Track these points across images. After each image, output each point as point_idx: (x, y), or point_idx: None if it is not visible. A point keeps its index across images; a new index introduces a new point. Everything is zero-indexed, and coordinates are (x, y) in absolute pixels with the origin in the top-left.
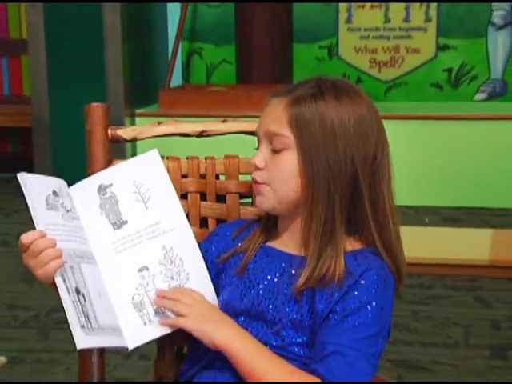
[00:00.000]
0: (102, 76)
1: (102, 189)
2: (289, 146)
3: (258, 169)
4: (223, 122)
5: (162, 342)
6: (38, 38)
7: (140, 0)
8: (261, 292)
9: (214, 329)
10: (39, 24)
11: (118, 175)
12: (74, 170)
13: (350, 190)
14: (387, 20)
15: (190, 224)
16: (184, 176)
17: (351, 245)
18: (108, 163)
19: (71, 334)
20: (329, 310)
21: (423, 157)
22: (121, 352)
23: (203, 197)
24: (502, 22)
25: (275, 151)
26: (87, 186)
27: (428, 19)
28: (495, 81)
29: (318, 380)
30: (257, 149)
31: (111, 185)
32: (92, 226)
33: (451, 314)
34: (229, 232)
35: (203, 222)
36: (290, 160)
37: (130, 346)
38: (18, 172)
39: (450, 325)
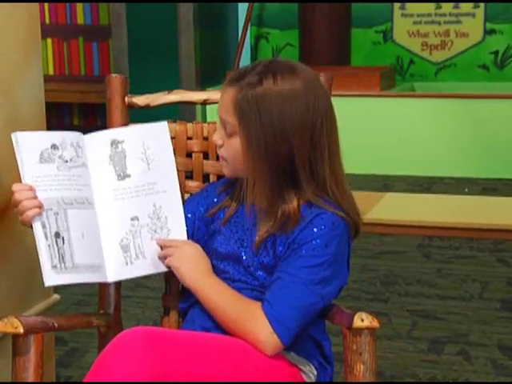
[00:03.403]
0: (175, 58)
1: (114, 143)
2: (236, 129)
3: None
4: None
5: (168, 279)
6: (121, 25)
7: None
8: (238, 241)
9: (187, 269)
10: (122, 12)
11: (131, 135)
12: None
13: (289, 163)
14: (438, 6)
15: (180, 182)
16: (189, 138)
17: (308, 196)
18: (124, 126)
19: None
20: (285, 251)
21: (468, 132)
22: None
23: (206, 156)
24: None
25: (228, 135)
26: (102, 137)
27: (476, 5)
28: None
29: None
30: None
31: (123, 141)
32: (98, 172)
33: (472, 271)
34: (216, 189)
35: (206, 177)
36: (238, 144)
37: (110, 280)
38: None
39: (468, 281)
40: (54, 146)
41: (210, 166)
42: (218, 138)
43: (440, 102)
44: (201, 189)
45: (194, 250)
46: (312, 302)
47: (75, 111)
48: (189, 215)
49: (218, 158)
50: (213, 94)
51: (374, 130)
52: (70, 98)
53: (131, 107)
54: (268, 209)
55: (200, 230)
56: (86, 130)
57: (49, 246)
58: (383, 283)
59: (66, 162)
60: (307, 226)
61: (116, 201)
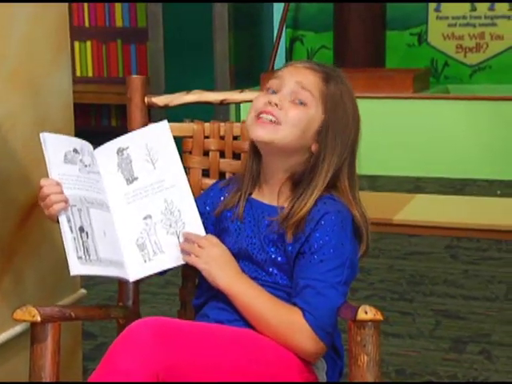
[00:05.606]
0: (211, 60)
1: (120, 151)
2: (313, 104)
3: (276, 106)
4: (241, 92)
5: (185, 273)
6: (157, 27)
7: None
8: (247, 238)
9: (218, 272)
10: (158, 14)
11: (134, 140)
12: None
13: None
14: (473, 9)
15: (190, 180)
16: (207, 137)
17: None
18: (144, 125)
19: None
20: (297, 251)
21: (501, 134)
22: None
23: (222, 154)
24: None
25: (302, 103)
26: (109, 148)
27: None
28: None
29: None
30: (273, 92)
31: (128, 147)
32: (109, 180)
33: (498, 273)
34: (220, 188)
35: (222, 175)
36: (311, 114)
37: (131, 279)
38: None
39: (494, 282)
40: (75, 150)
41: (226, 163)
42: (279, 99)
43: (473, 104)
44: (206, 189)
45: (222, 252)
46: (341, 302)
47: (113, 112)
48: None
49: (233, 156)
50: (230, 95)
51: (407, 132)
52: (109, 99)
53: (151, 107)
54: (291, 205)
55: (209, 230)
56: (124, 130)
57: (74, 238)
58: (409, 283)
59: (86, 166)
60: (318, 227)
61: (128, 204)
